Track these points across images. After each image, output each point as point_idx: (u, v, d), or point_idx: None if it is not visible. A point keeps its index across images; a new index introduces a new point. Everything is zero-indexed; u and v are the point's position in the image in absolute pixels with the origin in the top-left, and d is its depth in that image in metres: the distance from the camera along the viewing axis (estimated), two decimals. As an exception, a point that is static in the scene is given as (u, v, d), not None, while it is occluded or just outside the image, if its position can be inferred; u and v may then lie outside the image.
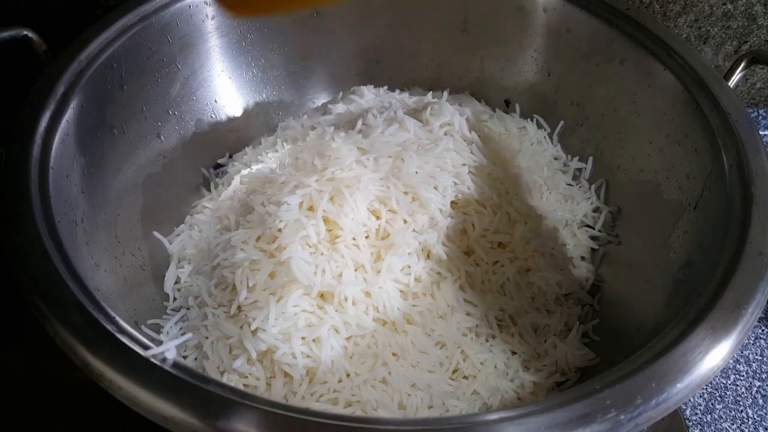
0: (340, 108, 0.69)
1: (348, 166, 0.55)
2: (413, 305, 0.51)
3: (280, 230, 0.51)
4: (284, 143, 0.65)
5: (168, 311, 0.54)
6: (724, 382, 0.60)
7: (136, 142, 0.57)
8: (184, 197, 0.63)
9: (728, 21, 0.77)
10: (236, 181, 0.62)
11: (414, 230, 0.52)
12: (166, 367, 0.35)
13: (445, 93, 0.71)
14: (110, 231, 0.51)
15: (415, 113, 0.63)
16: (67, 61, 0.51)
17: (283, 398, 0.46)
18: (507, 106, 0.72)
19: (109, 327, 0.36)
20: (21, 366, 0.56)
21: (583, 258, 0.59)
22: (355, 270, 0.50)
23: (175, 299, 0.55)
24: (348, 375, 0.46)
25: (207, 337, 0.49)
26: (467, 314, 0.51)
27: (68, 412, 0.53)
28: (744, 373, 0.61)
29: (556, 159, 0.67)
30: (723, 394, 0.59)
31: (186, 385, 0.34)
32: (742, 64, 0.54)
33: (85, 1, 0.57)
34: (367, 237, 0.52)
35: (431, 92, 0.70)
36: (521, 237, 0.55)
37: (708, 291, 0.40)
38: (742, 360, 0.62)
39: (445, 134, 0.61)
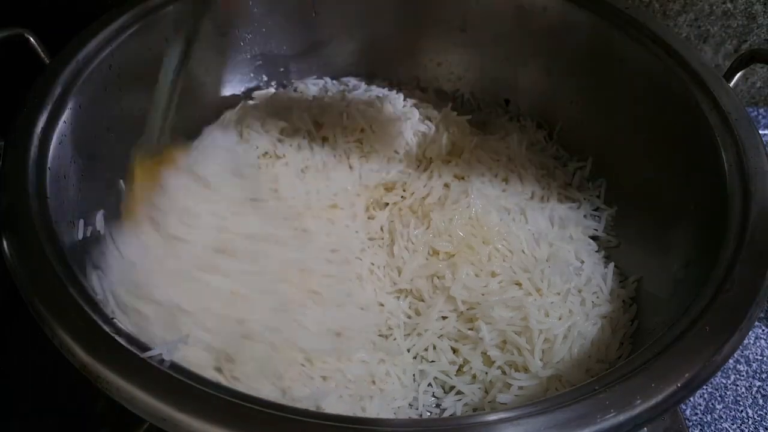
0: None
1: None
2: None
3: None
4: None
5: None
6: (724, 382, 0.60)
7: (133, 143, 0.57)
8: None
9: (728, 20, 0.77)
10: None
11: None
12: (164, 368, 0.35)
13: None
14: (108, 233, 0.51)
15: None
16: (64, 62, 0.50)
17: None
18: (507, 105, 0.72)
19: (107, 328, 0.36)
20: (20, 367, 0.56)
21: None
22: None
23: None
24: None
25: None
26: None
27: (67, 413, 0.53)
28: (744, 373, 0.61)
29: (555, 159, 0.67)
30: (723, 394, 0.59)
31: (184, 387, 0.34)
32: (742, 63, 0.54)
33: (83, 1, 0.57)
34: None
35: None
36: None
37: (708, 291, 0.40)
38: (742, 360, 0.62)
39: None
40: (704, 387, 0.59)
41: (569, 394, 0.35)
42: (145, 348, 0.36)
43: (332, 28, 0.69)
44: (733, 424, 0.57)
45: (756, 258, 0.41)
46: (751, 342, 0.63)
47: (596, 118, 0.64)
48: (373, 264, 0.55)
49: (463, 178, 0.61)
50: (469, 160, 0.63)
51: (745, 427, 0.57)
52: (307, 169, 0.60)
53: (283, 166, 0.60)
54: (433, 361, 0.50)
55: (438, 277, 0.54)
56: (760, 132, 0.49)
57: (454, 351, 0.51)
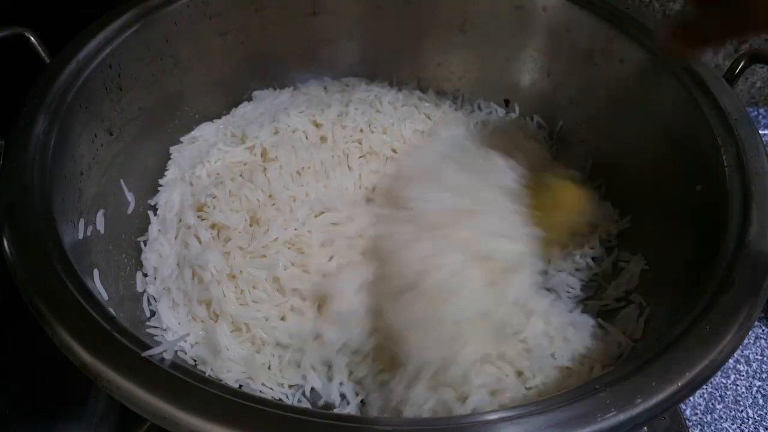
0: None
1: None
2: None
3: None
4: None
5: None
6: (724, 382, 0.60)
7: (134, 143, 0.57)
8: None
9: (728, 20, 0.77)
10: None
11: None
12: (165, 367, 0.35)
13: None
14: (109, 232, 0.51)
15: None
16: (65, 62, 0.50)
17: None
18: (507, 105, 0.72)
19: (108, 327, 0.36)
20: (20, 367, 0.56)
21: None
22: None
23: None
24: None
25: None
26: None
27: (67, 413, 0.53)
28: (744, 373, 0.61)
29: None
30: (723, 394, 0.59)
31: (185, 385, 0.34)
32: (742, 63, 0.54)
33: (83, 1, 0.57)
34: None
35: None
36: None
37: (708, 291, 0.40)
38: (742, 360, 0.62)
39: None
40: (704, 387, 0.59)
41: (569, 393, 0.35)
42: (145, 346, 0.36)
43: (332, 28, 0.69)
44: (733, 424, 0.57)
45: (756, 258, 0.41)
46: (751, 342, 0.63)
47: (596, 118, 0.64)
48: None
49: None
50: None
51: (745, 427, 0.57)
52: (305, 170, 0.60)
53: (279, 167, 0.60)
54: None
55: None
56: (760, 132, 0.49)
57: None
